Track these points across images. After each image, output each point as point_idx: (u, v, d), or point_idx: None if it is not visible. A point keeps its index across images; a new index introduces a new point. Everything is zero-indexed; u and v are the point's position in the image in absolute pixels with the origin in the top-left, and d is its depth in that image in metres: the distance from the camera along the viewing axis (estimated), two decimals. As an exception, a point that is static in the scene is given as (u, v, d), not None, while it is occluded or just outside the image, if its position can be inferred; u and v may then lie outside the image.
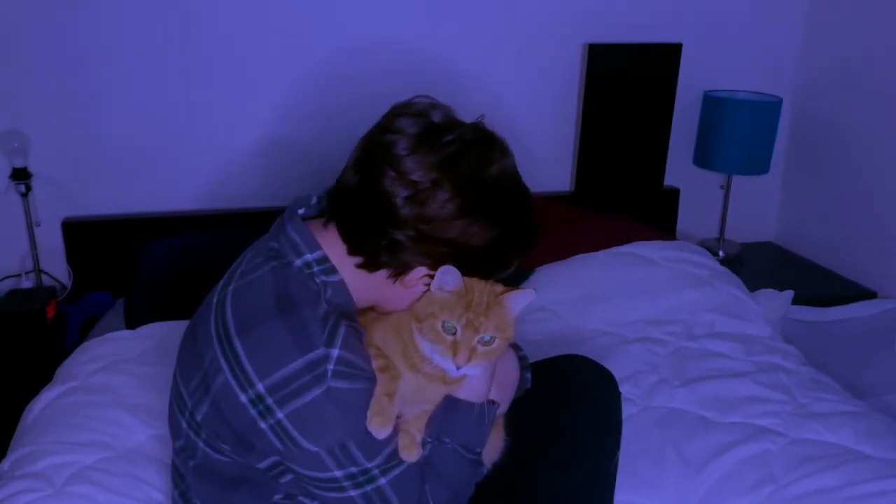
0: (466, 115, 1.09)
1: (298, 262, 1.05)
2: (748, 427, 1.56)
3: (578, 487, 1.22)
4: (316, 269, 1.05)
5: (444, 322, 1.03)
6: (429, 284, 1.07)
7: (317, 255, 1.05)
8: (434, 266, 1.04)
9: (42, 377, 1.87)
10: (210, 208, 2.41)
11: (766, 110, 2.54)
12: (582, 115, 2.59)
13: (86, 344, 1.91)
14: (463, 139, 1.03)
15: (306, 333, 0.98)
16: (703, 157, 2.65)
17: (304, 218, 1.11)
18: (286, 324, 0.98)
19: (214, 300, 1.06)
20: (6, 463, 1.50)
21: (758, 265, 2.72)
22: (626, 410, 1.37)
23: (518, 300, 1.07)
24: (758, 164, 2.60)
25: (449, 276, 1.04)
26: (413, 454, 1.05)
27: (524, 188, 1.11)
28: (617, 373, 1.37)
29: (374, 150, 1.03)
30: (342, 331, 1.01)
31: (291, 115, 2.39)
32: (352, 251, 1.06)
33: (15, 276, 2.31)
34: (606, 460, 1.27)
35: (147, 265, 2.18)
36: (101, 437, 1.51)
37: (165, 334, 1.90)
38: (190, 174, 2.37)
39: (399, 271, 1.06)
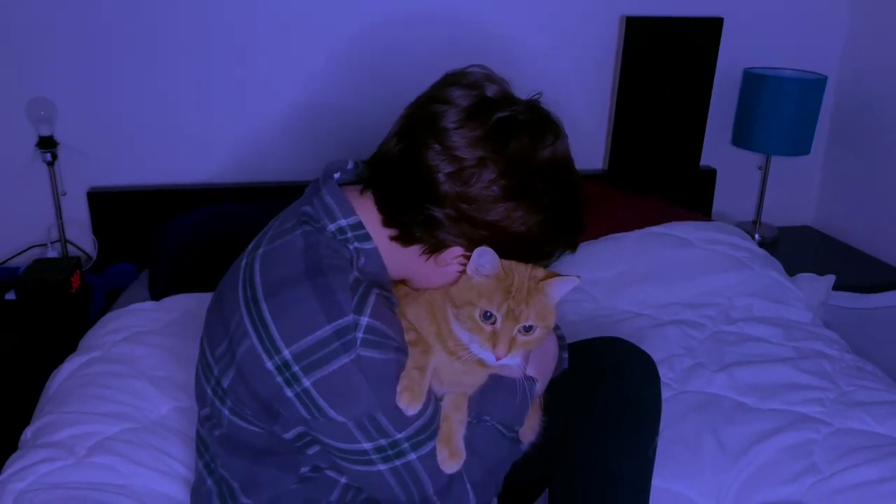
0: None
1: (332, 226, 1.00)
2: (789, 414, 1.50)
3: (616, 472, 1.18)
4: (350, 234, 1.00)
5: (483, 310, 0.98)
6: (464, 265, 1.01)
7: (351, 220, 1.00)
8: (470, 247, 0.99)
9: (66, 347, 1.86)
10: (237, 181, 2.37)
11: (809, 88, 2.44)
12: (617, 91, 2.51)
13: (109, 315, 1.89)
14: (516, 118, 0.97)
15: (335, 300, 0.94)
16: (742, 137, 2.56)
17: (340, 183, 1.06)
18: (315, 289, 0.94)
19: (243, 263, 1.02)
20: (28, 431, 1.49)
21: (795, 250, 2.63)
22: (662, 394, 1.32)
23: (561, 287, 1.01)
24: (799, 144, 2.50)
25: (486, 258, 0.98)
26: (455, 465, 1.00)
27: (575, 177, 1.04)
28: (652, 356, 1.32)
29: (421, 119, 0.98)
30: (372, 299, 0.96)
31: (322, 86, 2.34)
32: (386, 222, 1.01)
33: (41, 245, 2.30)
34: (645, 445, 1.21)
35: (172, 237, 2.15)
36: (124, 408, 1.49)
37: (189, 306, 1.88)
38: (218, 146, 2.34)
39: (433, 249, 1.01)
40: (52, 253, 2.29)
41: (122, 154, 2.29)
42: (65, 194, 2.28)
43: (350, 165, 1.09)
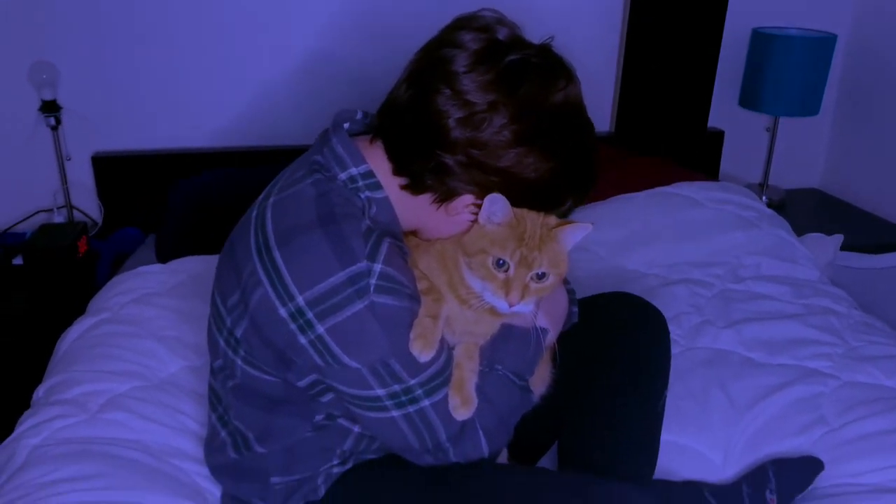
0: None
1: (343, 175, 1.00)
2: (798, 369, 1.50)
3: (625, 424, 1.18)
4: (361, 183, 0.99)
5: (495, 258, 0.98)
6: (475, 214, 1.01)
7: (362, 169, 1.00)
8: (481, 195, 0.98)
9: (73, 311, 1.86)
10: (242, 145, 2.36)
11: (819, 48, 2.41)
12: (625, 53, 2.48)
13: (117, 277, 1.89)
14: (528, 61, 0.96)
15: (348, 247, 0.93)
16: (750, 98, 2.54)
17: (350, 133, 1.05)
18: (327, 236, 0.93)
19: (254, 213, 1.02)
20: (41, 390, 1.49)
21: (803, 212, 2.62)
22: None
23: (573, 234, 1.01)
24: (808, 105, 2.48)
25: (497, 205, 0.97)
26: (467, 412, 1.00)
27: (588, 122, 1.03)
28: (660, 313, 1.32)
29: (431, 64, 0.96)
30: (385, 247, 0.96)
31: (329, 43, 2.31)
32: (397, 171, 1.00)
33: (46, 210, 2.30)
34: (654, 398, 1.22)
35: (178, 201, 2.14)
36: (134, 367, 1.50)
37: (196, 269, 1.88)
38: (223, 108, 2.32)
39: (444, 197, 1.00)
40: (58, 218, 2.29)
41: (127, 118, 2.27)
42: (69, 159, 2.27)
43: (359, 115, 1.08)
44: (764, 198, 2.63)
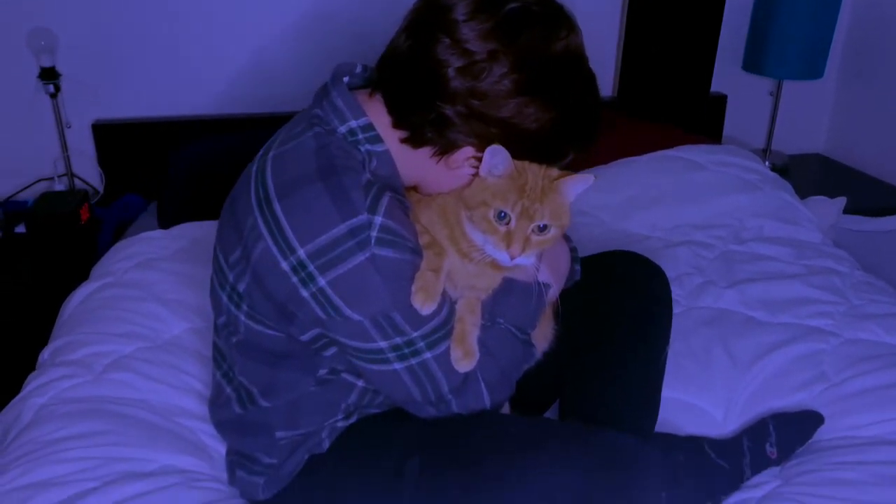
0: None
1: (342, 128, 0.99)
2: (799, 327, 1.51)
3: (627, 379, 1.19)
4: (360, 136, 0.99)
5: (497, 210, 0.97)
6: (476, 167, 1.00)
7: (362, 121, 0.99)
8: (482, 147, 0.97)
9: (76, 278, 1.87)
10: (243, 112, 2.35)
11: (823, 8, 2.38)
12: (627, 16, 2.45)
13: (120, 243, 1.90)
14: (528, 9, 0.94)
15: (348, 199, 0.93)
16: (753, 62, 2.51)
17: (350, 87, 1.04)
18: (328, 188, 0.93)
19: (254, 168, 1.02)
20: (46, 352, 1.51)
21: (806, 177, 2.61)
22: (673, 311, 1.32)
23: (575, 185, 1.00)
24: (812, 68, 2.45)
25: (498, 157, 0.97)
26: (469, 364, 1.01)
27: (589, 72, 1.02)
28: (662, 274, 1.32)
29: (430, 12, 0.95)
30: (386, 200, 0.96)
31: (330, 4, 2.29)
32: (396, 123, 1.00)
33: (47, 178, 2.30)
34: (656, 354, 1.23)
35: (180, 168, 2.14)
36: (138, 329, 1.51)
37: (197, 234, 1.88)
38: (223, 75, 2.31)
39: (444, 150, 1.00)
40: (59, 186, 2.29)
41: (126, 85, 2.27)
42: (69, 127, 2.26)
43: (359, 69, 1.08)
44: (767, 163, 2.62)
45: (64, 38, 2.17)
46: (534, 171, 0.98)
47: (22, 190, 2.29)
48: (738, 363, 1.43)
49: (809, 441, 1.25)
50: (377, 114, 1.00)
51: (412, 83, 0.96)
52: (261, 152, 1.05)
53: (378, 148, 1.00)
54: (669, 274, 1.65)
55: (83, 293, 1.66)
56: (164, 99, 2.30)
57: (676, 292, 1.63)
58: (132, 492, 1.10)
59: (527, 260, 1.00)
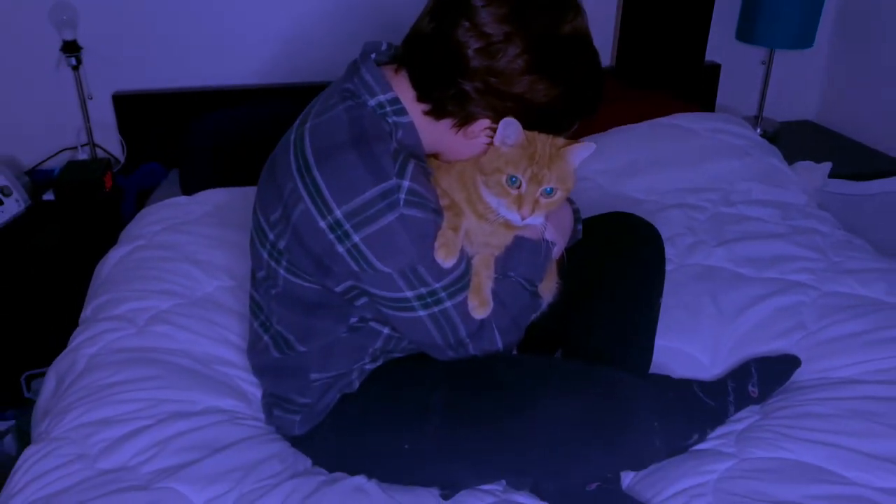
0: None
1: (372, 102, 1.11)
2: (782, 282, 1.64)
3: (624, 326, 1.32)
4: (388, 109, 1.11)
5: (509, 176, 1.09)
6: (491, 137, 1.12)
7: (389, 95, 1.11)
8: (496, 119, 1.09)
9: (103, 242, 1.98)
10: (261, 83, 2.45)
11: (814, -21, 2.48)
12: (624, -13, 2.55)
13: (146, 209, 2.01)
14: None
15: (379, 165, 1.05)
16: (746, 31, 2.61)
17: (376, 63, 1.15)
18: (361, 156, 1.05)
19: (293, 137, 1.13)
20: (88, 309, 1.63)
21: (796, 143, 2.72)
22: (666, 268, 1.44)
23: (579, 153, 1.12)
24: (803, 37, 2.55)
25: (511, 128, 1.09)
26: (484, 312, 1.14)
27: (593, 51, 1.13)
28: (656, 233, 1.44)
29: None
30: (411, 166, 1.08)
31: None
32: (420, 98, 1.11)
33: (71, 148, 2.40)
34: (650, 304, 1.36)
35: (201, 137, 2.24)
36: (174, 286, 1.63)
37: (221, 199, 2.00)
38: (241, 47, 2.40)
39: (463, 122, 1.11)
40: (83, 156, 2.39)
41: (145, 57, 2.36)
42: (91, 98, 2.36)
43: (384, 46, 1.19)
44: (759, 129, 2.73)
45: (84, 12, 2.25)
46: (542, 141, 1.10)
47: (47, 159, 2.39)
48: (725, 314, 1.56)
49: (788, 382, 1.39)
50: (403, 88, 1.12)
51: (435, 62, 1.08)
52: (297, 122, 1.16)
53: (404, 119, 1.11)
54: (663, 234, 1.77)
55: (117, 255, 1.78)
56: (181, 71, 2.39)
57: (669, 251, 1.75)
58: (184, 427, 1.24)
59: (536, 220, 1.13)
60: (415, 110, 1.12)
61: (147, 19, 2.31)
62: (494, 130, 1.11)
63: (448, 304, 1.12)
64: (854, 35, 2.75)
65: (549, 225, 1.20)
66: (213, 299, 1.61)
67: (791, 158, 2.35)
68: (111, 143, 2.43)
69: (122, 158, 2.43)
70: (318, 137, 1.09)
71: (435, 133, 1.14)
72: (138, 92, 2.38)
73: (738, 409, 1.33)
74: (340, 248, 1.08)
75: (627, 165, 2.11)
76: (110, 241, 1.94)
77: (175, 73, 2.39)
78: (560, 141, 1.12)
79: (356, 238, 1.06)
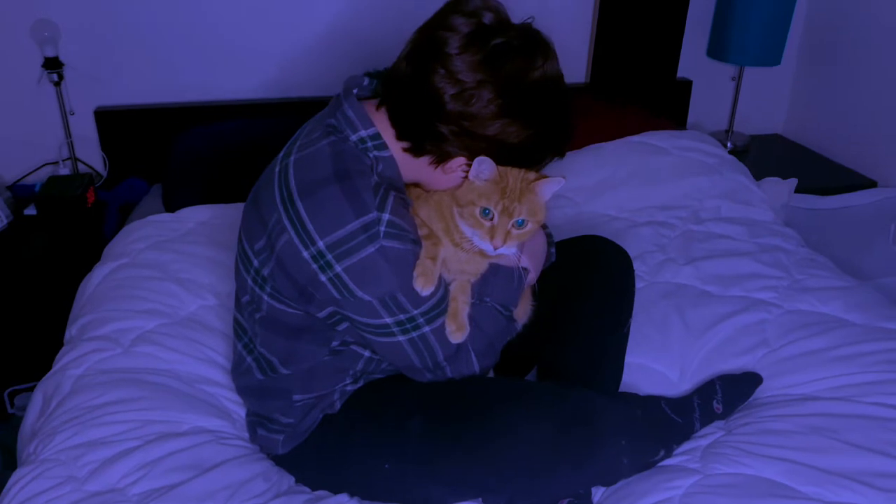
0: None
1: (354, 137, 1.16)
2: (747, 300, 1.71)
3: (595, 346, 1.38)
4: (370, 144, 1.16)
5: (482, 208, 1.15)
6: (467, 171, 1.17)
7: (370, 131, 1.16)
8: (472, 157, 1.15)
9: (86, 257, 2.01)
10: (241, 98, 2.48)
11: (781, 0, 2.56)
12: (599, 6, 2.61)
13: (130, 226, 2.03)
14: (510, 43, 1.10)
15: (360, 199, 1.10)
16: (717, 49, 2.69)
17: (358, 97, 1.20)
18: (343, 190, 1.10)
19: (277, 169, 1.18)
20: (73, 329, 1.66)
21: (765, 156, 2.81)
22: (637, 285, 1.51)
23: (549, 187, 1.18)
24: (771, 55, 2.63)
25: (484, 165, 1.14)
26: (461, 336, 1.19)
27: (564, 93, 1.18)
28: (628, 252, 1.50)
29: (428, 45, 1.11)
30: (391, 199, 1.13)
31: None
32: (399, 137, 1.17)
33: (52, 163, 2.42)
34: (620, 325, 1.42)
35: (183, 152, 2.27)
36: (158, 306, 1.66)
37: (204, 217, 2.03)
38: (224, 63, 2.43)
39: (440, 159, 1.17)
40: (64, 170, 2.41)
41: (127, 74, 2.38)
42: (72, 114, 2.38)
43: (366, 81, 1.24)
44: (729, 143, 2.82)
45: (66, 28, 2.28)
46: (514, 175, 1.16)
47: (29, 174, 2.41)
48: (692, 331, 1.62)
49: (750, 398, 1.46)
50: (383, 124, 1.17)
51: (413, 105, 1.13)
52: (281, 154, 1.21)
53: (384, 154, 1.16)
54: (634, 251, 1.85)
55: (101, 273, 1.81)
56: (163, 87, 2.42)
57: (640, 268, 1.82)
58: (171, 448, 1.28)
59: (508, 250, 1.18)
60: (395, 145, 1.17)
61: (129, 36, 2.34)
62: (470, 166, 1.16)
63: (426, 329, 1.17)
64: (818, 54, 2.85)
65: (523, 252, 1.26)
66: (196, 319, 1.65)
67: (760, 170, 2.43)
68: (93, 157, 2.46)
69: (104, 173, 2.45)
70: (302, 171, 1.14)
71: (414, 167, 1.19)
72: (120, 107, 2.41)
73: (703, 425, 1.40)
74: (323, 277, 1.12)
75: (601, 183, 2.18)
76: (93, 255, 1.97)
77: (157, 89, 2.42)
78: (531, 175, 1.18)
79: (338, 268, 1.11)
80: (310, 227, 1.10)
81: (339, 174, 1.11)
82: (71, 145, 2.40)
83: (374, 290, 1.12)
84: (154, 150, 2.39)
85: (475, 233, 1.17)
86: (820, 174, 2.68)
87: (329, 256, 1.10)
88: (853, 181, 2.62)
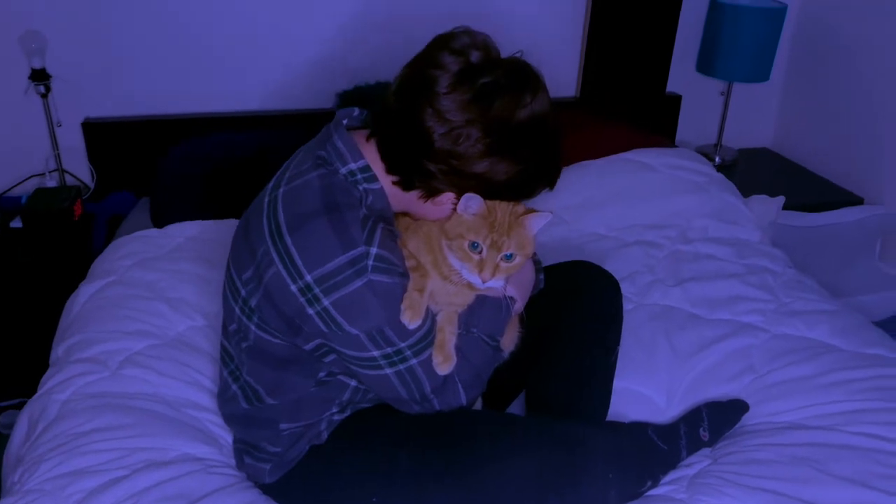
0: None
1: (343, 169, 1.16)
2: (734, 323, 1.72)
3: (583, 373, 1.39)
4: (359, 177, 1.16)
5: (470, 242, 1.15)
6: (456, 204, 1.17)
7: (360, 164, 1.16)
8: (461, 193, 1.15)
9: (72, 271, 1.99)
10: (230, 111, 2.47)
11: (770, 17, 2.58)
12: (590, 20, 2.62)
13: (117, 241, 2.02)
14: (497, 83, 1.10)
15: (348, 233, 1.10)
16: (706, 64, 2.71)
17: (349, 127, 1.20)
18: (331, 223, 1.10)
19: (266, 200, 1.18)
20: (59, 349, 1.65)
21: (753, 171, 2.83)
22: (625, 307, 1.52)
23: (537, 221, 1.19)
24: (759, 71, 2.65)
25: (472, 202, 1.15)
26: (448, 367, 1.19)
27: (552, 129, 1.17)
28: (616, 273, 1.51)
29: (417, 83, 1.11)
30: (379, 232, 1.13)
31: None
32: (389, 171, 1.17)
33: (39, 175, 2.40)
34: (608, 352, 1.42)
35: (173, 165, 2.26)
36: (145, 326, 1.65)
37: (192, 233, 2.03)
38: (214, 75, 2.42)
39: (429, 194, 1.17)
40: (51, 183, 2.39)
41: (115, 86, 2.37)
42: (59, 125, 2.36)
43: (356, 112, 1.24)
44: (717, 158, 2.83)
45: (54, 39, 2.26)
46: (502, 209, 1.17)
47: (15, 186, 2.39)
48: (680, 355, 1.63)
49: (736, 426, 1.47)
50: (373, 157, 1.17)
51: (402, 142, 1.13)
52: (271, 185, 1.21)
53: (374, 186, 1.17)
54: (623, 272, 1.86)
55: (89, 291, 1.80)
56: (152, 98, 2.41)
57: (629, 290, 1.83)
58: (158, 478, 1.27)
59: (496, 283, 1.19)
60: (384, 178, 1.17)
61: (118, 47, 2.32)
62: (459, 198, 1.16)
63: (413, 361, 1.17)
64: (806, 70, 2.87)
65: (510, 282, 1.26)
66: (184, 340, 1.64)
67: (748, 185, 2.45)
68: (81, 169, 2.44)
69: (91, 184, 2.43)
70: (291, 204, 1.14)
71: (404, 198, 1.19)
72: (109, 119, 2.39)
73: (690, 452, 1.40)
74: (311, 311, 1.12)
75: (589, 200, 2.18)
76: (80, 268, 1.95)
77: (146, 101, 2.41)
78: (520, 208, 1.18)
79: (326, 302, 1.11)
80: (298, 260, 1.10)
81: (327, 207, 1.11)
82: (58, 157, 2.38)
83: (362, 324, 1.12)
84: (142, 162, 2.37)
85: (464, 266, 1.17)
86: (806, 189, 2.70)
87: (317, 290, 1.10)
88: (839, 197, 2.65)
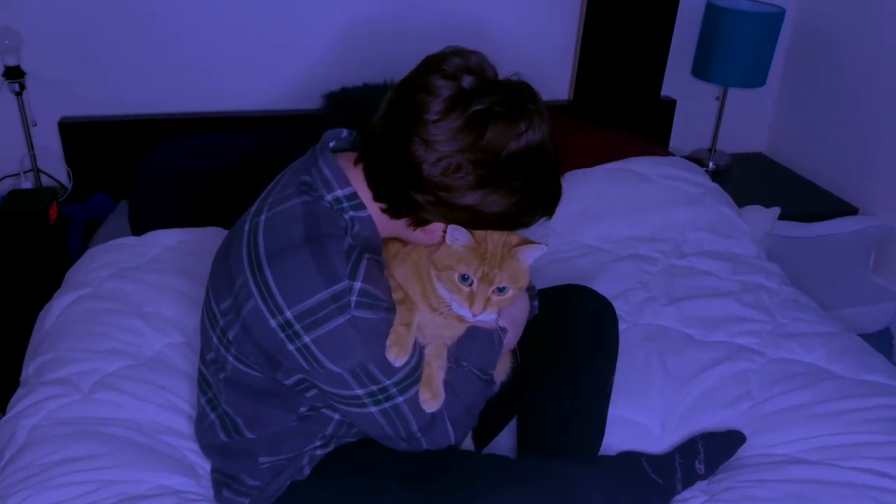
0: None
1: (329, 197, 1.09)
2: (730, 346, 1.67)
3: (577, 404, 1.33)
4: (346, 204, 1.09)
5: (460, 274, 1.09)
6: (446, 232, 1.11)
7: (347, 191, 1.09)
8: (450, 223, 1.09)
9: (48, 277, 1.92)
10: (210, 111, 2.39)
11: (767, 22, 2.52)
12: (584, 23, 2.55)
13: (93, 250, 1.95)
14: (491, 110, 1.03)
15: (331, 266, 1.04)
16: (701, 69, 2.65)
17: (336, 149, 1.13)
18: (313, 256, 1.04)
19: (246, 227, 1.11)
20: (29, 368, 1.58)
21: (747, 177, 2.79)
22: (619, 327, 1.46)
23: (531, 253, 1.13)
24: (755, 76, 2.60)
25: (458, 233, 1.09)
26: (436, 404, 1.13)
27: (548, 159, 1.10)
28: (609, 290, 1.46)
29: (406, 108, 1.04)
30: (364, 265, 1.07)
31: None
32: (376, 198, 1.10)
33: (13, 175, 2.32)
34: (603, 384, 1.37)
35: (151, 169, 2.18)
36: (120, 345, 1.58)
37: (171, 242, 1.95)
38: (190, 73, 2.34)
39: (418, 224, 1.11)
40: (26, 183, 2.31)
41: (93, 84, 2.28)
42: (35, 125, 2.28)
43: (345, 133, 1.17)
44: (711, 163, 2.79)
45: (29, 37, 2.17)
46: (494, 240, 1.10)
47: (-12, 187, 2.31)
48: (675, 379, 1.58)
49: (733, 458, 1.42)
50: (361, 183, 1.11)
51: (389, 171, 1.07)
52: (253, 209, 1.14)
53: (361, 214, 1.10)
54: (616, 289, 1.81)
55: (62, 304, 1.72)
56: (130, 98, 2.32)
57: (622, 308, 1.77)
58: (131, 515, 1.21)
59: (488, 317, 1.13)
60: (372, 205, 1.11)
61: (96, 45, 2.24)
62: None
63: (399, 399, 1.12)
64: (803, 76, 2.82)
65: (503, 314, 1.21)
66: (161, 359, 1.57)
67: (742, 191, 2.40)
68: (57, 170, 2.36)
69: (68, 185, 2.35)
70: (272, 233, 1.07)
71: (393, 226, 1.13)
72: (86, 118, 2.31)
73: (685, 486, 1.36)
74: (291, 347, 1.06)
75: (582, 212, 2.13)
76: (55, 274, 1.88)
77: (125, 100, 2.32)
78: (514, 239, 1.12)
79: (307, 339, 1.05)
80: (277, 295, 1.04)
81: (309, 238, 1.05)
82: (33, 157, 2.29)
83: (345, 362, 1.06)
84: (122, 163, 2.30)
85: (453, 298, 1.12)
86: (801, 198, 2.66)
87: (297, 326, 1.04)
88: (834, 207, 2.61)
